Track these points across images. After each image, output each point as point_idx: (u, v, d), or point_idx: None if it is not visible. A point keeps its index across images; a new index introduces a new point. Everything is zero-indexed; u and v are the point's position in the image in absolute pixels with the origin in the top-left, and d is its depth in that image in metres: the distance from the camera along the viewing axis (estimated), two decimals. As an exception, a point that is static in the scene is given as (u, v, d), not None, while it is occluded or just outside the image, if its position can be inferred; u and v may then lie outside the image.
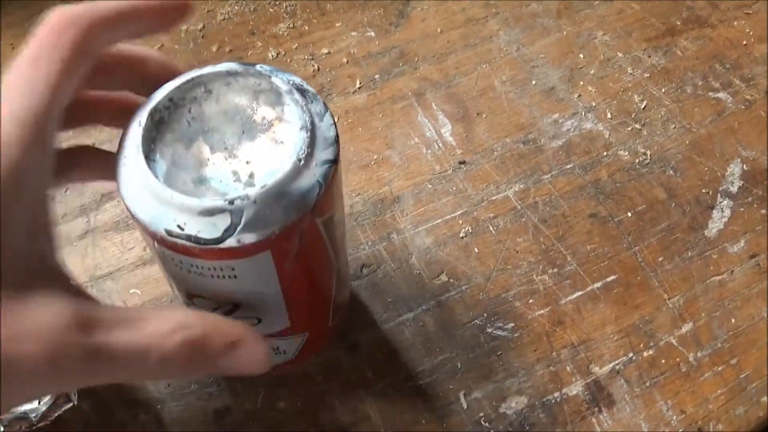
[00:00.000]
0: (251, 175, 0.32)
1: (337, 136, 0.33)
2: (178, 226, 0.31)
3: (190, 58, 0.53)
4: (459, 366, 0.43)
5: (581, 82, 0.52)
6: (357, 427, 0.42)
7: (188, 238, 0.31)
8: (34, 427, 0.40)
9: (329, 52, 0.54)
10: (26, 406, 0.43)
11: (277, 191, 0.31)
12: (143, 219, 0.32)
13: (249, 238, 0.31)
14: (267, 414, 0.42)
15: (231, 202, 0.31)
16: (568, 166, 0.49)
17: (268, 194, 0.31)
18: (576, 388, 0.43)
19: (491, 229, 0.47)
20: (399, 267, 0.46)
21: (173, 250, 0.32)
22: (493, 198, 0.48)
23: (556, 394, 0.43)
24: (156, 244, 0.33)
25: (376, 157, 0.49)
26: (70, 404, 0.40)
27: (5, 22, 0.55)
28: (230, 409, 0.43)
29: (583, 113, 0.51)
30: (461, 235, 0.47)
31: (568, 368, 0.43)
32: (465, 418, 0.42)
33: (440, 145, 0.50)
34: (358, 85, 0.52)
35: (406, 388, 0.43)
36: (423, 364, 0.43)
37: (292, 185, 0.32)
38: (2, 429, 0.39)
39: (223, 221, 0.31)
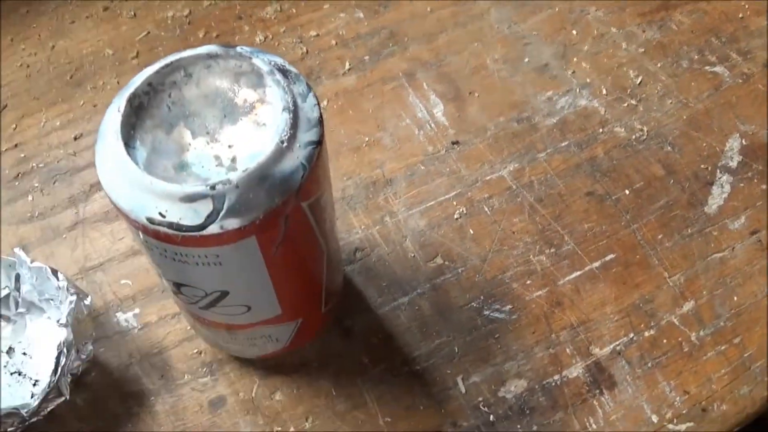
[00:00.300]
0: (233, 159, 0.31)
1: (320, 116, 0.32)
2: (160, 214, 0.30)
3: (177, 44, 0.52)
4: (456, 350, 0.42)
5: (575, 59, 0.50)
6: (354, 414, 0.40)
7: (170, 225, 0.30)
8: (26, 423, 0.38)
9: (318, 35, 0.52)
10: (17, 402, 0.41)
11: (260, 174, 0.30)
12: (124, 207, 0.30)
13: (232, 223, 0.30)
14: (263, 403, 0.41)
15: (212, 188, 0.29)
16: (563, 144, 0.47)
17: (251, 178, 0.29)
18: (576, 370, 0.41)
19: (486, 209, 0.45)
20: (393, 250, 0.44)
21: (156, 239, 0.31)
22: (488, 178, 0.46)
23: (556, 377, 0.41)
24: (139, 233, 0.31)
25: (367, 139, 0.48)
26: (62, 398, 0.39)
27: (5, 17, 0.54)
28: (225, 399, 0.41)
29: (578, 90, 0.49)
30: (456, 216, 0.45)
31: (567, 350, 0.42)
32: (464, 403, 0.40)
33: (432, 125, 0.48)
34: (347, 67, 0.50)
35: (402, 374, 0.41)
36: (419, 348, 0.42)
37: (275, 168, 0.30)
38: None
39: (205, 207, 0.29)
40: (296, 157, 0.30)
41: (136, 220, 0.30)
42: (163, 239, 0.30)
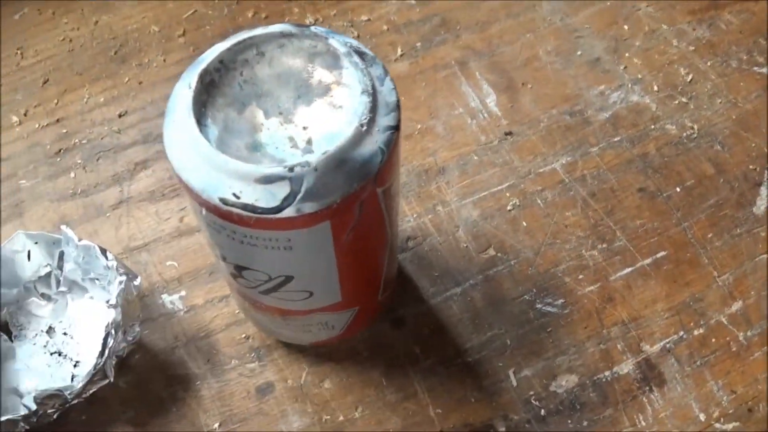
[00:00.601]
0: (309, 141, 0.30)
1: (398, 101, 0.30)
2: (234, 195, 0.28)
3: (225, 23, 0.50)
4: (508, 343, 0.41)
5: (626, 54, 0.49)
6: (404, 405, 0.39)
7: (244, 207, 0.28)
8: (67, 404, 0.37)
9: (369, 19, 0.50)
10: (57, 383, 0.40)
11: (339, 158, 0.28)
12: (195, 187, 0.29)
13: (309, 207, 0.28)
14: (312, 391, 0.40)
15: (291, 170, 0.28)
16: (615, 139, 0.46)
17: (329, 161, 0.28)
18: (627, 367, 0.40)
19: (539, 202, 0.44)
20: (445, 240, 0.43)
21: (227, 220, 0.29)
22: (541, 170, 0.45)
23: (607, 373, 0.40)
24: (207, 214, 0.30)
25: (419, 126, 0.46)
26: (106, 381, 0.37)
27: (5, 13, 0.52)
28: (273, 385, 0.40)
29: (630, 85, 0.48)
30: (509, 208, 0.44)
31: (618, 346, 0.41)
32: (515, 396, 0.39)
33: (485, 115, 0.47)
34: (399, 53, 0.49)
35: (454, 365, 0.40)
36: (471, 340, 0.41)
37: (354, 152, 0.29)
38: (35, 407, 0.36)
39: (282, 189, 0.28)
40: (375, 142, 0.29)
41: (208, 200, 0.29)
42: (234, 221, 0.29)
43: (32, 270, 0.41)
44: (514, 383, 0.40)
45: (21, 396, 0.39)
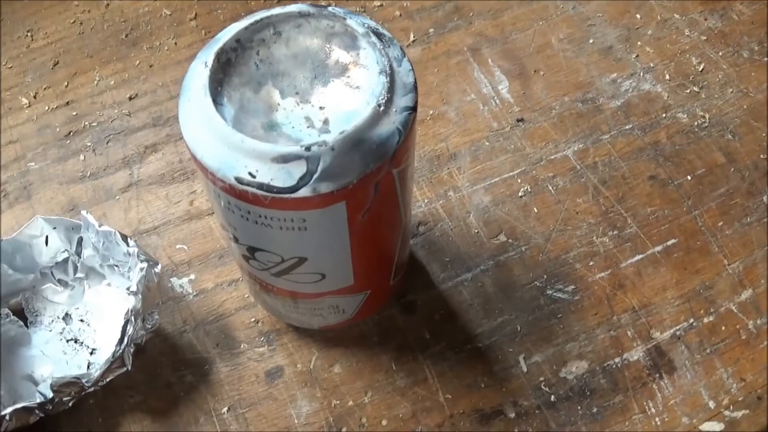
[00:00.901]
0: (326, 122, 0.29)
1: (415, 82, 0.30)
2: (250, 174, 0.28)
3: (237, 7, 0.49)
4: (518, 329, 0.40)
5: (638, 43, 0.48)
6: (414, 390, 0.39)
7: (260, 186, 0.28)
8: (84, 392, 0.36)
9: (381, 5, 0.50)
10: (72, 370, 0.39)
11: (356, 138, 0.28)
12: (210, 165, 0.28)
13: (325, 187, 0.28)
14: (321, 375, 0.39)
15: (307, 149, 0.27)
16: (627, 127, 0.45)
17: (347, 141, 0.27)
18: (637, 354, 0.40)
19: (550, 188, 0.43)
20: (456, 225, 0.42)
21: (242, 200, 0.29)
22: (552, 157, 0.44)
23: (617, 360, 0.39)
24: (222, 193, 0.29)
25: (431, 112, 0.46)
26: (124, 369, 0.36)
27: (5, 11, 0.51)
28: (282, 370, 0.39)
29: (642, 74, 0.47)
30: (520, 194, 0.43)
31: (629, 333, 0.40)
32: (525, 382, 0.39)
33: (497, 101, 0.46)
34: (411, 39, 0.48)
35: (464, 351, 0.39)
36: (482, 326, 0.40)
37: (371, 132, 0.28)
38: (51, 394, 0.35)
39: (299, 169, 0.27)
40: (392, 122, 0.28)
41: (223, 179, 0.28)
42: (249, 200, 0.28)
43: (49, 255, 0.40)
44: (525, 369, 0.39)
45: (36, 383, 0.38)
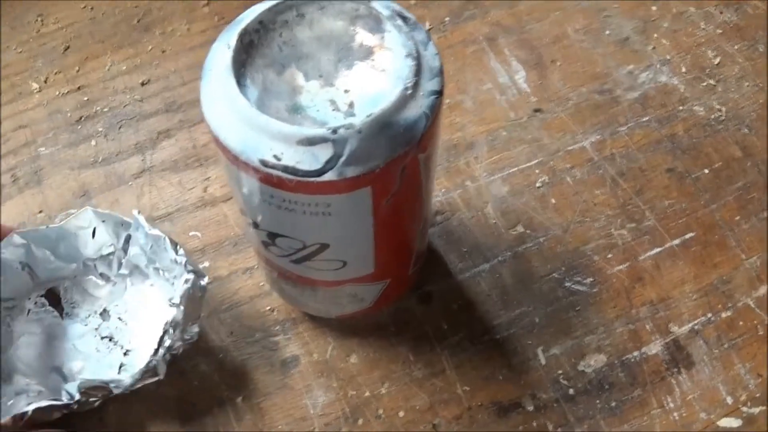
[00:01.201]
0: (351, 105, 0.27)
1: (441, 66, 0.28)
2: (275, 156, 0.26)
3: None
4: (537, 321, 0.38)
5: (655, 35, 0.47)
6: (431, 381, 0.37)
7: (285, 169, 0.26)
8: (110, 395, 0.34)
9: (397, -7, 0.48)
10: (103, 369, 0.37)
11: (383, 121, 0.26)
12: (234, 148, 0.27)
13: (351, 171, 0.26)
14: (337, 365, 0.37)
15: (334, 131, 0.25)
16: (644, 119, 0.44)
17: (374, 124, 0.26)
18: (655, 348, 0.38)
19: (568, 179, 0.42)
20: (474, 216, 0.40)
21: (266, 183, 0.27)
22: (570, 148, 0.42)
23: (636, 353, 0.38)
24: (245, 177, 0.28)
25: (448, 101, 0.44)
26: (156, 378, 0.34)
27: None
28: (298, 359, 0.37)
29: (658, 66, 0.46)
30: (538, 185, 0.41)
31: (647, 327, 0.38)
32: (543, 375, 0.37)
33: (514, 91, 0.44)
34: (427, 27, 0.46)
35: (482, 342, 0.38)
36: (500, 317, 0.38)
37: (398, 116, 0.26)
38: (78, 396, 0.34)
39: (325, 152, 0.26)
40: (419, 106, 0.27)
41: (248, 162, 0.26)
42: (273, 184, 0.27)
43: (94, 248, 0.38)
44: (543, 362, 0.37)
45: (65, 378, 0.36)
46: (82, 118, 0.43)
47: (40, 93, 0.45)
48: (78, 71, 0.45)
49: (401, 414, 0.36)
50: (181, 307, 0.33)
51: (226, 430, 0.36)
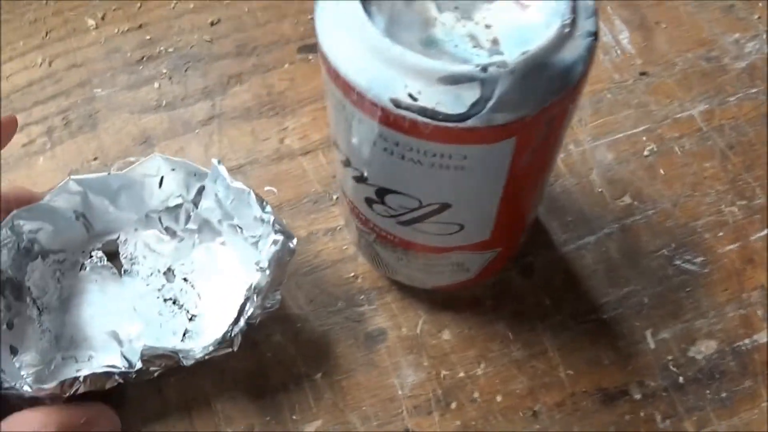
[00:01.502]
0: (495, 41, 0.21)
1: (595, 6, 0.23)
2: (410, 96, 0.20)
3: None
4: (645, 301, 0.33)
5: (760, 4, 0.41)
6: (531, 363, 0.31)
7: (422, 111, 0.20)
8: (176, 366, 0.28)
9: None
10: (169, 337, 0.30)
11: (540, 62, 0.20)
12: (359, 84, 0.21)
13: (499, 118, 0.20)
14: (428, 341, 0.32)
15: (484, 69, 0.20)
16: (752, 91, 0.38)
17: (529, 65, 0.20)
18: (766, 336, 0.33)
19: (677, 150, 0.36)
20: (578, 182, 0.35)
21: (393, 128, 0.21)
22: (678, 116, 0.37)
23: (747, 341, 0.33)
24: (366, 119, 0.22)
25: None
26: (229, 350, 0.28)
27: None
28: (385, 333, 0.32)
29: (764, 36, 0.40)
30: (645, 153, 0.36)
31: (758, 313, 0.33)
32: (652, 360, 0.32)
33: (618, 52, 0.38)
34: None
35: (587, 322, 0.32)
36: (606, 295, 0.33)
37: (555, 57, 0.21)
38: (139, 365, 0.28)
39: (471, 93, 0.20)
40: (577, 48, 0.21)
41: (375, 101, 0.21)
42: (404, 129, 0.21)
43: (160, 199, 0.32)
44: (652, 346, 0.32)
45: (120, 342, 0.30)
46: (144, 59, 0.37)
47: (97, 30, 0.38)
48: (139, 8, 0.39)
49: (499, 399, 0.31)
50: (267, 272, 0.28)
51: (302, 409, 0.31)
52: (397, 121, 0.21)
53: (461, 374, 0.31)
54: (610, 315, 0.32)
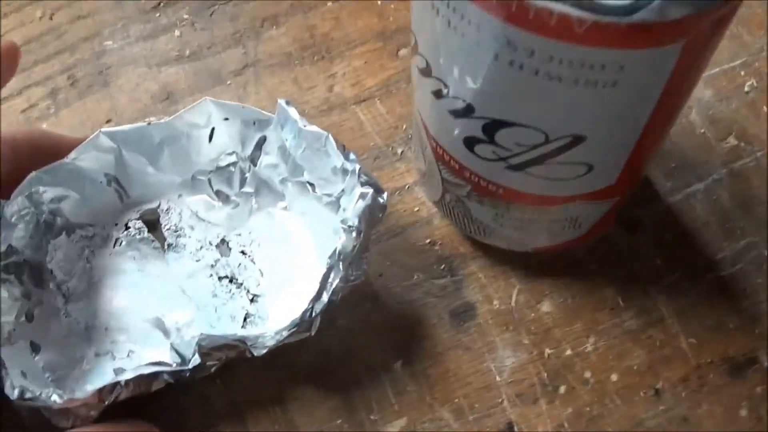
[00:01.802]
0: None
1: None
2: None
3: None
4: (765, 254, 0.27)
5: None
6: (648, 333, 0.25)
7: (577, 3, 0.14)
8: (242, 356, 0.21)
9: None
10: (227, 323, 0.23)
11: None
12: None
13: (674, 11, 0.14)
14: (527, 316, 0.25)
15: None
16: None
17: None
18: None
19: (779, 84, 0.30)
20: (678, 123, 0.29)
21: (532, 29, 0.15)
22: (775, 47, 0.31)
23: None
24: (493, 20, 0.15)
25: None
26: (306, 335, 0.21)
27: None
28: (474, 308, 0.25)
29: None
30: (746, 89, 0.30)
31: None
32: (780, 325, 0.26)
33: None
34: None
35: (704, 282, 0.26)
36: (723, 250, 0.27)
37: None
38: (198, 360, 0.20)
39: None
40: None
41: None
42: (547, 29, 0.15)
43: (210, 157, 0.25)
44: (778, 306, 0.26)
45: (166, 332, 0.23)
46: (161, 5, 0.30)
47: (100, -25, 0.31)
48: (149, -52, 0.32)
49: (614, 378, 0.25)
50: (353, 234, 0.21)
51: (382, 407, 0.24)
52: (538, 19, 0.15)
53: (568, 352, 0.25)
54: (729, 272, 0.26)
